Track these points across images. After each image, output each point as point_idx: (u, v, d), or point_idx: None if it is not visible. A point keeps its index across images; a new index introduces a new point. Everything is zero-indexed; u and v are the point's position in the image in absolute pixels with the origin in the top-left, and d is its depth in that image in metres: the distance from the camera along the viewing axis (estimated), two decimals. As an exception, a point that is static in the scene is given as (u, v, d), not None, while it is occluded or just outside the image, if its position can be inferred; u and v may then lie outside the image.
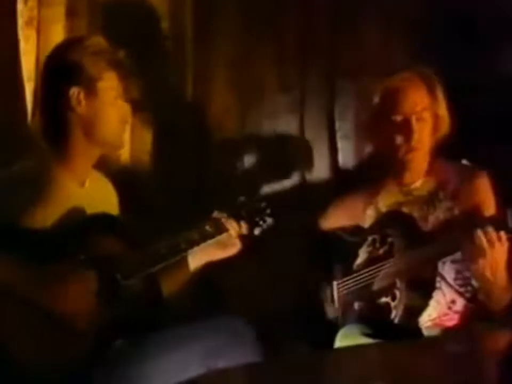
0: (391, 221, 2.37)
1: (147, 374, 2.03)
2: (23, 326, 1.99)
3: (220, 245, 2.32)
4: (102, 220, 2.18)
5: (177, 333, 2.12)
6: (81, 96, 2.18)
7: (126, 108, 2.27)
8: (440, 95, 2.40)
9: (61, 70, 2.21)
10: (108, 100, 2.21)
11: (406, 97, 2.39)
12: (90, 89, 2.19)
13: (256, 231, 2.39)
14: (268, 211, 2.41)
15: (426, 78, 2.40)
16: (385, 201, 2.45)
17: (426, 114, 2.38)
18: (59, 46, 2.32)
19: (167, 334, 2.11)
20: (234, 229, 2.31)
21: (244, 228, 2.34)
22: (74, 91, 2.18)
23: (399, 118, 2.38)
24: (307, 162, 2.90)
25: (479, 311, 2.25)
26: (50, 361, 1.99)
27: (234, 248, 2.34)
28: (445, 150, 2.43)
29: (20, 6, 2.76)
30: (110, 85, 2.21)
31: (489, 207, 2.30)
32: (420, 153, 2.39)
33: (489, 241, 2.08)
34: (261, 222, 2.39)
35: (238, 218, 2.33)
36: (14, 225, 2.04)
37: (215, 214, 2.32)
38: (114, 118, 2.23)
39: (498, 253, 2.10)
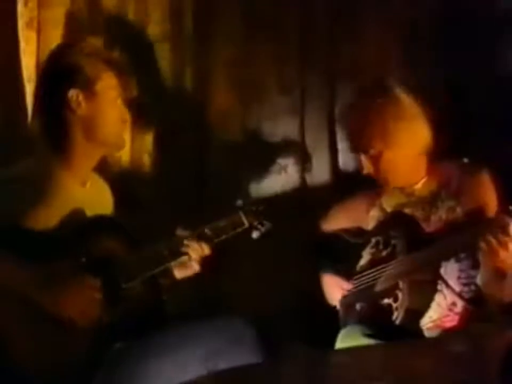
0: (394, 223, 2.38)
1: (147, 375, 2.03)
2: (23, 326, 1.99)
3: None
4: (104, 221, 2.18)
5: (178, 334, 2.12)
6: (81, 97, 2.18)
7: (125, 107, 2.26)
8: (392, 124, 2.34)
9: (58, 73, 2.20)
10: (107, 100, 2.21)
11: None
12: (90, 90, 2.18)
13: (254, 235, 2.39)
14: (267, 214, 2.41)
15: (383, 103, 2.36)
16: (389, 202, 2.46)
17: None
18: (55, 50, 2.31)
19: (167, 335, 2.11)
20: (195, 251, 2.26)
21: (206, 250, 2.28)
22: (73, 93, 2.17)
23: None
24: (307, 163, 2.90)
25: (479, 312, 2.25)
26: (51, 362, 1.99)
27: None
28: (445, 150, 2.43)
29: (20, 7, 2.75)
30: (109, 84, 2.21)
31: (492, 203, 2.29)
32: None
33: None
34: (259, 226, 2.39)
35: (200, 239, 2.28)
36: (16, 226, 2.03)
37: (178, 231, 2.27)
38: (114, 117, 2.23)
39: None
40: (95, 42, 2.26)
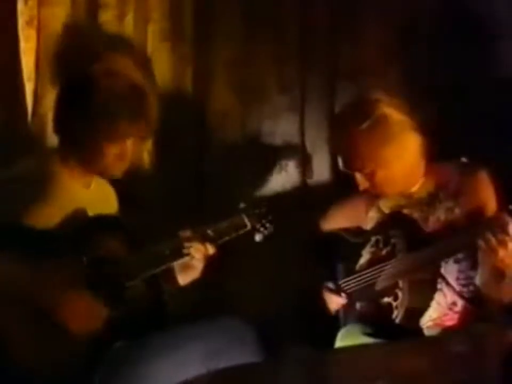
0: (394, 222, 2.38)
1: (148, 375, 2.03)
2: (23, 326, 1.99)
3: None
4: (105, 221, 2.18)
5: (178, 333, 2.12)
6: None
7: (134, 147, 2.22)
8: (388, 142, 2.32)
9: (79, 85, 2.17)
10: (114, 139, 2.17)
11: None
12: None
13: (257, 238, 2.39)
14: (269, 217, 2.40)
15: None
16: (387, 204, 2.45)
17: None
18: (86, 56, 2.28)
19: (168, 335, 2.12)
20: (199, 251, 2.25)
21: (210, 249, 2.27)
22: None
23: None
24: (307, 163, 2.90)
25: (480, 311, 2.25)
26: (51, 362, 1.99)
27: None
28: (443, 150, 2.43)
29: (20, 6, 2.74)
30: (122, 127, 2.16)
31: (491, 203, 2.29)
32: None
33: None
34: (261, 229, 2.39)
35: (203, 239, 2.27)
36: (17, 225, 2.03)
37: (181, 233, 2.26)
38: (115, 154, 2.19)
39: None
40: (127, 65, 2.20)
